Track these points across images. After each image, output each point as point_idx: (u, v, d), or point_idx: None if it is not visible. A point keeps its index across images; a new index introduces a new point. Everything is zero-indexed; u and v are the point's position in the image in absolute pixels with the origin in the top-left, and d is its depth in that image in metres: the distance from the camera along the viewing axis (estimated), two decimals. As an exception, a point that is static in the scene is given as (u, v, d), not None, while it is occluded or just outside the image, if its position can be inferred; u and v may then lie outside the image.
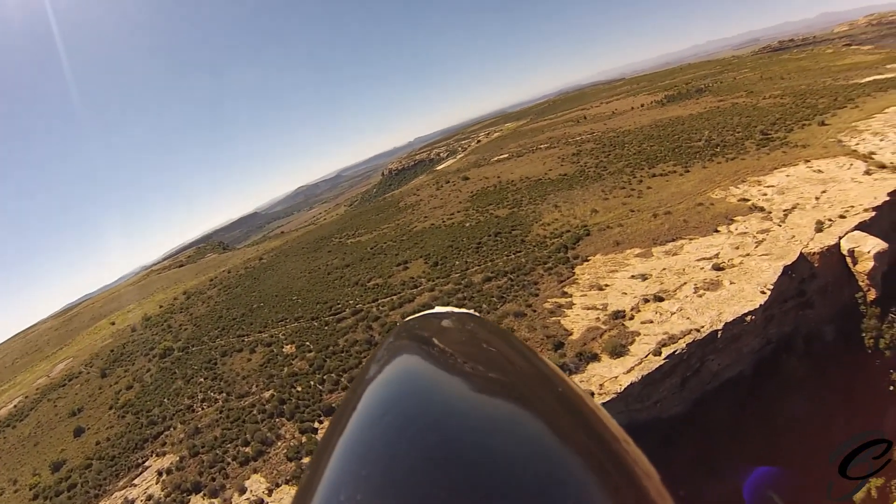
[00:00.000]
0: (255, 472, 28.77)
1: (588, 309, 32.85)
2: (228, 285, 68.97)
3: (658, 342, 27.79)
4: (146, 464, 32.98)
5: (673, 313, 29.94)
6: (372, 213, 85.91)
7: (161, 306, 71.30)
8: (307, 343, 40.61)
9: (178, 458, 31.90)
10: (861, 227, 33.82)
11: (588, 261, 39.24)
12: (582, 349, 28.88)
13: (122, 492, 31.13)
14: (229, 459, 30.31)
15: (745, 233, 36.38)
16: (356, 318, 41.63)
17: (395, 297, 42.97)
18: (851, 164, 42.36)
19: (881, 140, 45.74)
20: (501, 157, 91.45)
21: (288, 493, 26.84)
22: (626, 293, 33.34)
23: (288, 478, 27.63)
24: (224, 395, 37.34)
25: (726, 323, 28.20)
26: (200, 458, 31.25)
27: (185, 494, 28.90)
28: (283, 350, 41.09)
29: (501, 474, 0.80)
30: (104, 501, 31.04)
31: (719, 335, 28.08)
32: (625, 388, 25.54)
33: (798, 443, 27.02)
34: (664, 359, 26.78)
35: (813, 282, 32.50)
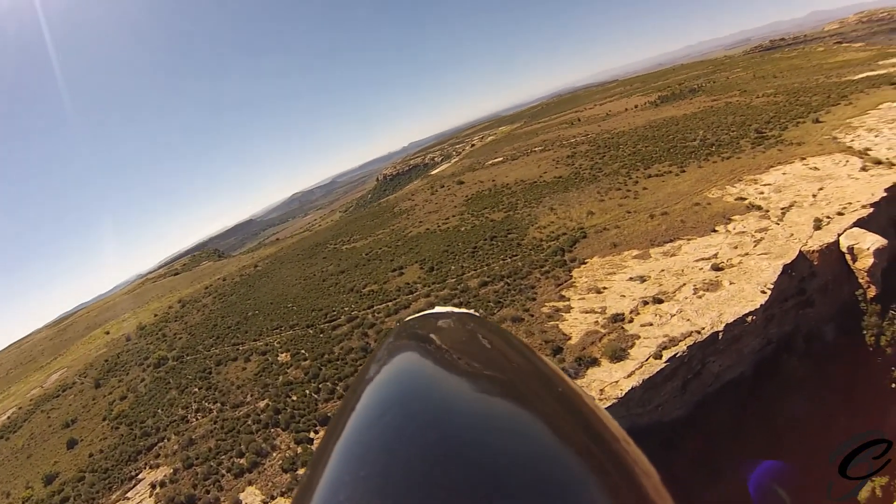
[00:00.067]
0: (250, 484, 28.24)
1: (586, 312, 32.42)
2: (223, 293, 68.62)
3: (658, 345, 27.35)
4: (139, 476, 32.46)
5: (673, 315, 29.53)
6: (367, 218, 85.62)
7: (156, 315, 70.91)
8: (302, 351, 40.19)
9: (171, 471, 31.35)
10: (859, 223, 33.61)
11: (585, 263, 38.85)
12: (581, 354, 28.41)
13: (116, 505, 30.49)
14: (223, 471, 29.78)
15: (743, 232, 36.07)
16: (351, 326, 41.22)
17: (390, 304, 42.55)
18: (847, 161, 42.25)
19: (876, 136, 45.70)
20: (496, 160, 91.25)
21: (283, 506, 26.34)
22: (624, 296, 32.93)
23: (283, 490, 27.09)
24: (218, 405, 36.83)
25: (727, 324, 27.81)
26: (194, 470, 30.72)
27: (178, 508, 28.27)
28: (278, 358, 40.65)
29: (501, 474, 0.80)
30: (97, 516, 30.38)
31: (720, 336, 27.70)
32: (626, 393, 25.08)
33: (799, 442, 26.84)
34: (665, 362, 26.34)
35: (813, 280, 32.20)
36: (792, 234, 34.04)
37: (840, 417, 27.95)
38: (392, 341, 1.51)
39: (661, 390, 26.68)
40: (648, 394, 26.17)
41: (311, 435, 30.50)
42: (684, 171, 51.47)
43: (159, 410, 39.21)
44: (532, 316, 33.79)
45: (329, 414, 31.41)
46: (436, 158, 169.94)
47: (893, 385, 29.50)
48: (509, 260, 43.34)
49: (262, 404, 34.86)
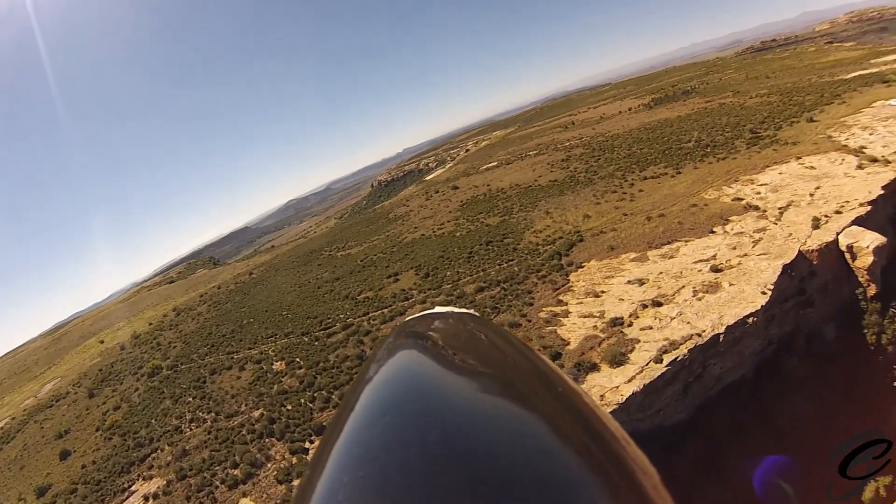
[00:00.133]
0: (245, 496, 27.77)
1: (585, 317, 32.03)
2: (218, 301, 68.25)
3: (659, 349, 26.96)
4: (132, 488, 31.89)
5: (672, 318, 29.14)
6: (362, 225, 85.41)
7: (150, 323, 70.57)
8: (297, 359, 39.77)
9: (164, 482, 30.83)
10: (858, 221, 33.49)
11: (582, 267, 38.50)
12: (580, 359, 27.96)
13: (108, 518, 29.99)
14: (217, 483, 29.30)
15: (741, 232, 35.80)
16: (347, 333, 40.82)
17: (385, 311, 42.18)
18: (843, 159, 42.18)
19: (871, 134, 45.74)
20: (490, 165, 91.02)
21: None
22: (623, 299, 32.54)
23: (278, 502, 26.66)
24: (213, 414, 36.35)
25: (728, 326, 27.46)
26: (188, 481, 30.22)
27: (171, 521, 27.81)
28: (273, 367, 40.18)
29: (502, 474, 0.80)
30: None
31: (721, 339, 27.35)
32: (626, 399, 24.68)
33: (801, 442, 26.61)
34: (666, 366, 25.94)
35: (813, 280, 31.93)
36: (790, 234, 33.78)
37: (841, 417, 27.72)
38: (392, 341, 1.49)
39: (662, 394, 26.27)
40: (649, 398, 25.76)
41: (307, 445, 30.06)
42: (680, 173, 51.30)
43: (153, 420, 38.74)
44: (530, 321, 33.38)
45: (324, 423, 31.00)
46: (430, 164, 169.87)
47: (895, 384, 29.26)
48: (505, 265, 42.98)
49: (256, 414, 34.38)
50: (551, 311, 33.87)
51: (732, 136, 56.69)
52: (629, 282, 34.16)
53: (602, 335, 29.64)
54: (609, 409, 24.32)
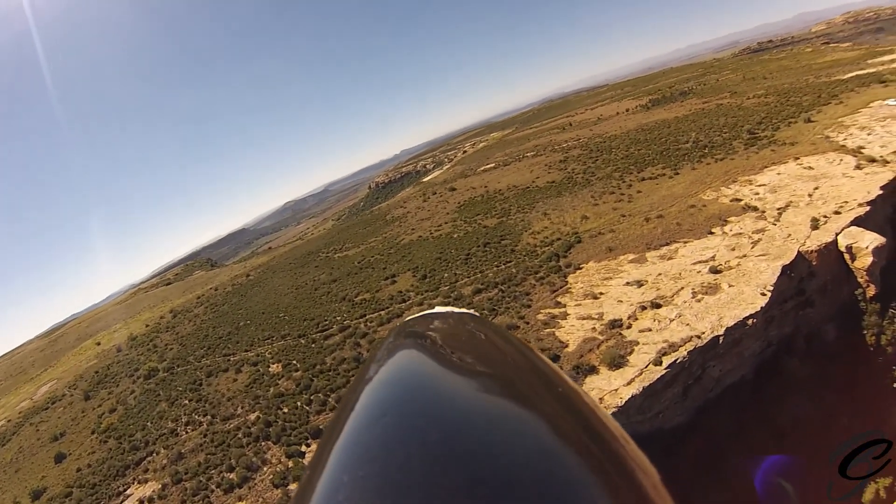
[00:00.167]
0: (240, 500, 27.47)
1: (583, 319, 31.79)
2: (215, 303, 68.28)
3: (658, 351, 26.73)
4: (127, 492, 31.59)
5: (672, 320, 28.91)
6: (359, 226, 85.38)
7: (147, 325, 70.63)
8: (294, 362, 39.56)
9: (160, 486, 30.55)
10: (857, 222, 33.38)
11: (581, 269, 38.29)
12: (579, 362, 27.71)
13: (103, 522, 29.75)
14: (213, 486, 29.01)
15: (740, 233, 35.63)
16: (344, 335, 40.62)
17: (383, 313, 41.96)
18: (841, 160, 42.11)
19: (868, 134, 45.71)
20: (488, 166, 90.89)
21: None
22: (621, 301, 32.31)
23: (275, 505, 26.35)
24: (209, 417, 36.09)
25: (728, 328, 27.26)
26: (183, 485, 29.95)
27: (167, 525, 27.55)
28: (270, 369, 39.99)
29: (502, 474, 0.80)
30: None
31: (721, 341, 27.14)
32: (626, 402, 24.44)
33: (802, 443, 26.53)
34: (665, 368, 25.70)
35: (812, 280, 31.78)
36: (789, 235, 33.62)
37: (841, 417, 27.73)
38: (392, 341, 1.49)
39: (662, 397, 26.06)
40: (649, 401, 25.54)
41: (303, 448, 29.83)
42: (678, 174, 51.17)
43: (148, 423, 38.50)
44: (528, 323, 33.13)
45: (321, 426, 30.89)
46: (427, 165, 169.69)
47: (895, 384, 29.25)
48: (503, 266, 42.79)
49: (252, 417, 34.12)
50: (549, 312, 33.65)
51: (730, 137, 56.58)
52: (628, 283, 33.95)
53: (601, 337, 29.40)
54: (608, 412, 24.07)
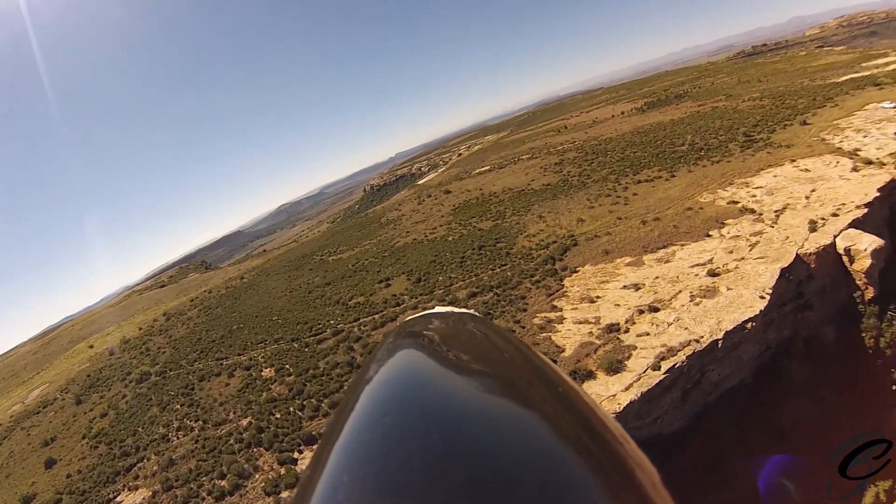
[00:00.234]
0: (231, 508, 26.91)
1: (580, 323, 31.40)
2: (209, 306, 68.06)
3: (656, 355, 26.31)
4: (117, 499, 31.14)
5: (670, 324, 28.54)
6: (354, 229, 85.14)
7: (140, 328, 70.38)
8: (287, 366, 39.11)
9: (150, 493, 30.04)
10: (855, 224, 33.25)
11: (577, 272, 37.95)
12: (576, 366, 27.28)
13: (92, 530, 29.25)
14: (204, 494, 28.49)
15: (737, 236, 35.37)
16: (337, 339, 40.19)
17: (377, 316, 41.56)
18: (838, 162, 42.03)
19: (864, 136, 45.71)
20: (483, 169, 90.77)
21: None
22: (619, 305, 31.95)
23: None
24: (200, 422, 35.60)
25: (727, 331, 26.90)
26: (174, 492, 29.41)
27: (157, 533, 27.03)
28: (262, 374, 39.51)
29: (502, 474, 0.81)
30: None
31: (720, 345, 26.76)
32: (624, 407, 24.02)
33: (802, 445, 26.34)
34: (664, 373, 25.29)
35: (811, 283, 31.51)
36: (787, 237, 33.37)
37: (841, 419, 27.46)
38: (392, 341, 1.48)
39: (660, 402, 25.68)
40: (647, 406, 25.14)
41: (295, 455, 29.35)
42: (674, 176, 51.00)
43: (140, 429, 38.04)
44: (523, 328, 32.72)
45: (314, 433, 30.44)
46: (422, 168, 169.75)
47: (894, 387, 29.07)
48: (498, 270, 42.44)
49: (244, 422, 33.62)
50: (545, 316, 33.24)
51: (726, 140, 56.54)
52: (625, 287, 33.60)
53: (598, 342, 29.00)
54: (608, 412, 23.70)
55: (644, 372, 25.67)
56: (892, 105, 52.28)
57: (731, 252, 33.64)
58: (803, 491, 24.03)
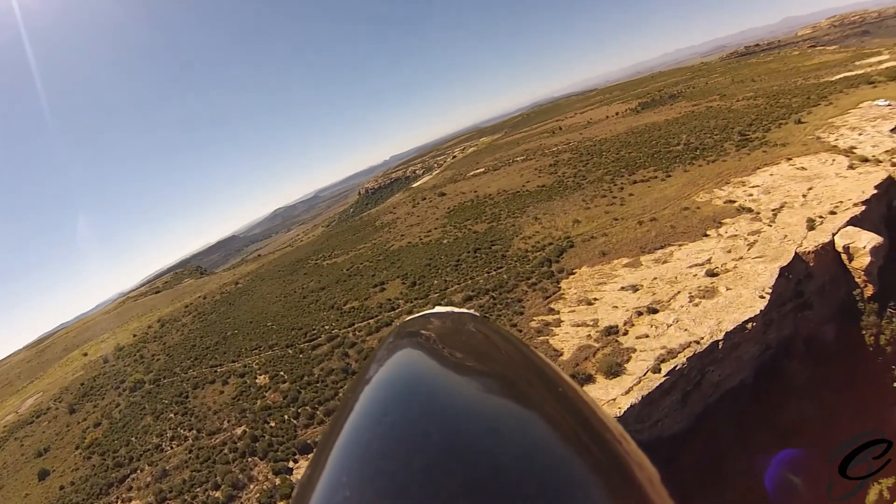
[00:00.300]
0: (226, 519, 26.57)
1: (578, 326, 31.01)
2: (203, 312, 67.33)
3: (656, 358, 25.93)
4: (111, 512, 30.61)
5: (669, 325, 28.16)
6: (348, 233, 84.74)
7: (135, 335, 69.61)
8: (281, 373, 38.65)
9: (143, 505, 29.51)
10: (853, 222, 33.12)
11: (574, 274, 37.61)
12: (575, 370, 26.83)
13: (85, 544, 28.78)
14: (198, 505, 28.01)
15: (735, 235, 35.09)
16: (332, 345, 39.77)
17: (371, 321, 41.16)
18: (834, 160, 41.94)
19: (860, 134, 45.65)
20: (477, 171, 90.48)
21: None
22: (617, 306, 31.58)
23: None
24: (194, 431, 35.13)
25: (727, 332, 26.56)
26: (168, 504, 28.93)
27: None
28: (257, 381, 39.06)
29: (503, 474, 0.81)
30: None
31: (720, 346, 26.41)
32: (624, 412, 23.62)
33: (804, 445, 26.25)
34: (664, 376, 24.92)
35: (810, 282, 31.29)
36: (786, 236, 33.13)
37: (842, 418, 27.39)
38: (392, 341, 1.45)
39: (661, 405, 25.32)
40: (647, 409, 24.78)
41: (290, 464, 28.94)
42: (670, 176, 50.76)
43: (133, 438, 37.50)
44: (520, 331, 32.30)
45: (309, 441, 30.06)
46: (417, 171, 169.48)
47: (895, 384, 29.10)
48: (494, 272, 42.06)
49: (239, 431, 33.15)
50: (543, 320, 32.85)
51: (721, 139, 56.38)
52: (623, 288, 33.24)
53: (596, 345, 28.61)
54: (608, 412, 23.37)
55: (644, 375, 25.29)
56: (887, 103, 52.30)
57: (729, 252, 33.34)
58: (808, 488, 23.96)
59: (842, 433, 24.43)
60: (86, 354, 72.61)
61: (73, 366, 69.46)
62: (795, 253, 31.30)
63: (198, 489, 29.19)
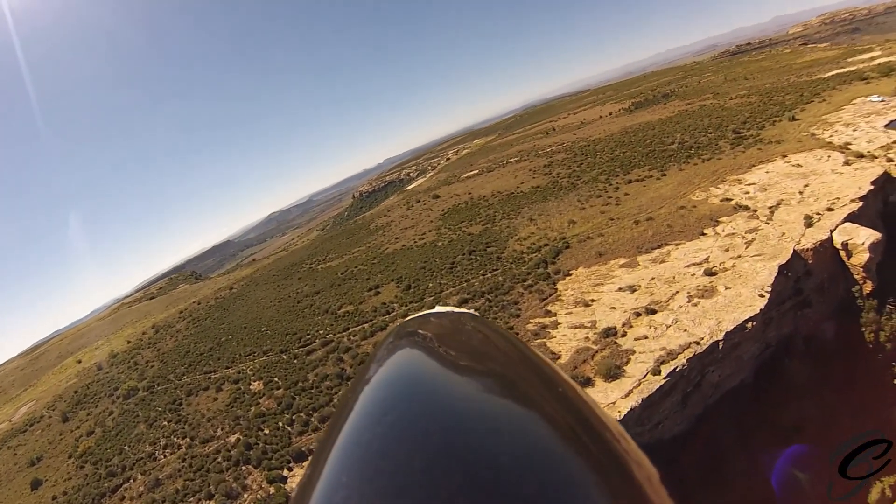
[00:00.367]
0: (220, 531, 26.14)
1: (575, 328, 30.55)
2: (198, 317, 67.02)
3: (656, 359, 25.47)
4: (103, 523, 30.11)
5: (668, 326, 27.73)
6: (343, 236, 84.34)
7: (129, 342, 69.32)
8: (275, 379, 38.14)
9: (136, 515, 29.03)
10: (850, 218, 32.87)
11: (570, 275, 37.19)
12: (573, 374, 26.33)
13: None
14: (192, 516, 27.55)
15: (732, 234, 34.77)
16: (326, 350, 39.28)
17: (366, 326, 40.67)
18: (829, 156, 41.81)
19: (854, 130, 45.58)
20: (472, 173, 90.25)
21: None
22: (614, 308, 31.14)
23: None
24: (188, 439, 34.61)
25: (727, 332, 26.17)
26: (161, 514, 28.42)
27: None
28: (251, 387, 38.54)
29: (502, 474, 0.80)
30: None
31: (720, 346, 26.02)
32: (624, 415, 23.17)
33: (804, 443, 25.85)
34: (664, 377, 24.48)
35: (809, 279, 30.99)
36: (783, 234, 32.83)
37: (843, 417, 27.05)
38: (392, 341, 1.44)
39: (661, 407, 24.88)
40: (648, 412, 24.34)
41: (285, 473, 28.39)
42: (665, 175, 50.52)
43: (126, 447, 36.99)
44: (517, 334, 31.83)
45: (304, 449, 29.54)
46: (411, 174, 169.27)
47: (895, 381, 28.72)
48: (489, 275, 41.65)
49: (232, 439, 32.63)
50: (539, 322, 32.41)
51: (716, 137, 56.24)
52: (620, 289, 32.83)
53: (595, 347, 28.15)
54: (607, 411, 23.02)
55: (644, 377, 24.84)
56: (880, 98, 52.33)
57: (727, 250, 32.99)
58: (814, 484, 23.66)
59: (842, 432, 24.33)
60: (80, 361, 72.21)
61: (66, 373, 69.14)
62: (794, 250, 30.97)
63: (191, 498, 28.67)
